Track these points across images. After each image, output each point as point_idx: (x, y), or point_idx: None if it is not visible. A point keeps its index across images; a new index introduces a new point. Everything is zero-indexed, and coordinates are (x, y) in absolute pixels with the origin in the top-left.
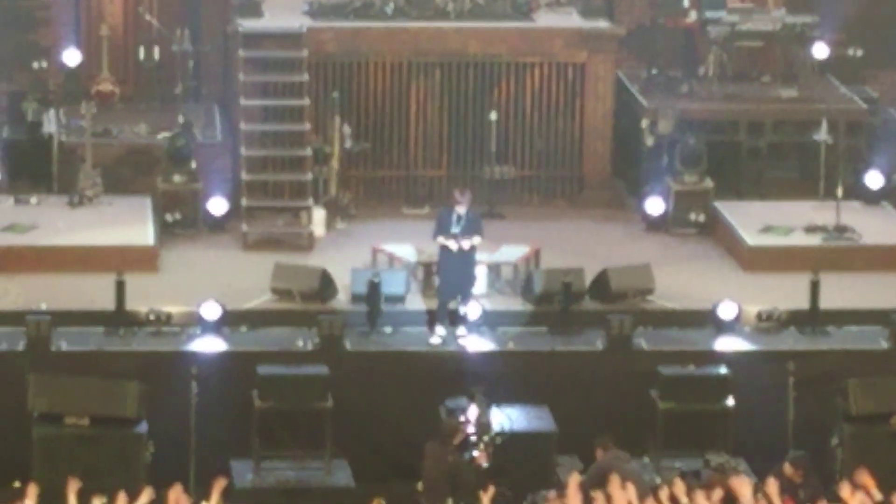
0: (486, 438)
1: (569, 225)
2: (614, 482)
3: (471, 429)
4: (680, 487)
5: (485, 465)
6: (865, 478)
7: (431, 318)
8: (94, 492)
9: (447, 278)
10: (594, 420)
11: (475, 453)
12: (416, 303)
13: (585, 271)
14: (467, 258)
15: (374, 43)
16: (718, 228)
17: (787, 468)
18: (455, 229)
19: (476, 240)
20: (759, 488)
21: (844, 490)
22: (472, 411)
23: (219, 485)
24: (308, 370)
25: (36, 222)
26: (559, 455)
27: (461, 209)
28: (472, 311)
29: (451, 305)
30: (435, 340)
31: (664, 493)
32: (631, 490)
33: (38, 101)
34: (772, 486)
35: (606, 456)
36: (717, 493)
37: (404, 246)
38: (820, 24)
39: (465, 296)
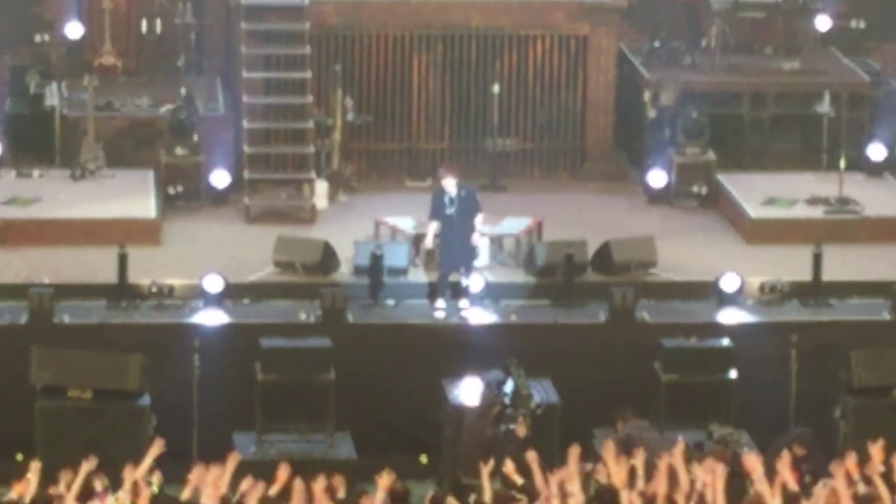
0: (523, 410)
1: (571, 197)
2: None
3: (507, 401)
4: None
5: (523, 435)
6: (875, 450)
7: (432, 291)
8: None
9: (448, 251)
10: (597, 392)
11: (513, 426)
12: (419, 275)
13: (588, 244)
14: (468, 231)
15: (376, 15)
16: (721, 201)
17: (795, 447)
18: (450, 210)
19: (479, 219)
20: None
21: (850, 461)
22: (509, 384)
23: (232, 460)
24: (311, 343)
25: (38, 195)
26: (594, 428)
27: (451, 187)
28: (474, 283)
29: (453, 278)
30: (437, 314)
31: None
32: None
33: (40, 74)
34: (783, 460)
35: (627, 426)
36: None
37: (406, 218)
38: None
39: (468, 268)
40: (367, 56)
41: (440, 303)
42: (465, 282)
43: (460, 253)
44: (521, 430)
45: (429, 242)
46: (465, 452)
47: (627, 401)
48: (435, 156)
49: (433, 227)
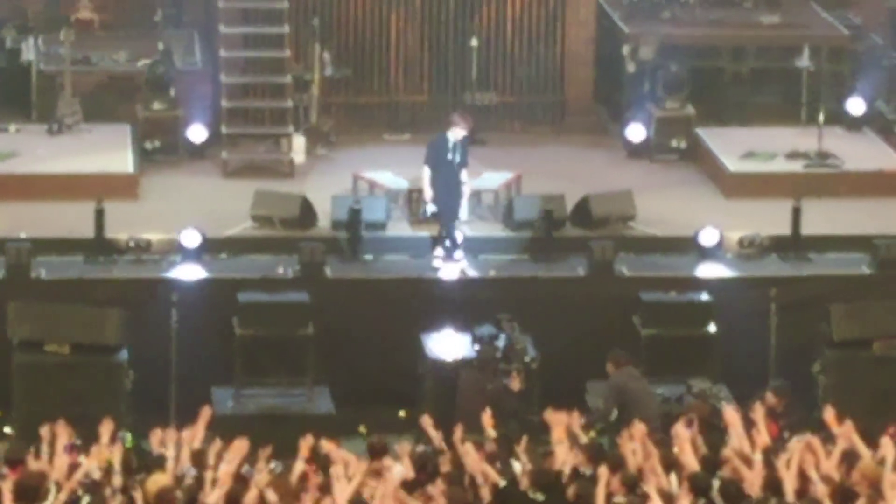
0: (517, 364)
1: (550, 151)
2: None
3: (501, 355)
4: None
5: (517, 389)
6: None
7: (435, 244)
8: (76, 419)
9: (449, 200)
10: (576, 346)
11: (506, 380)
12: (398, 229)
13: (567, 197)
14: (458, 181)
15: None
16: (700, 155)
17: (770, 397)
18: (452, 158)
19: (464, 172)
20: (743, 415)
21: (828, 415)
22: (503, 338)
23: (204, 414)
24: (289, 297)
25: (15, 150)
26: (589, 381)
27: (459, 134)
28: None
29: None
30: (453, 265)
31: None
32: None
33: (16, 28)
34: (758, 411)
35: (619, 373)
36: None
37: (385, 173)
38: None
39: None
40: (346, 10)
41: (457, 254)
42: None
43: (455, 203)
44: (515, 383)
45: (428, 193)
46: (466, 408)
47: (606, 355)
48: (414, 109)
49: (428, 175)
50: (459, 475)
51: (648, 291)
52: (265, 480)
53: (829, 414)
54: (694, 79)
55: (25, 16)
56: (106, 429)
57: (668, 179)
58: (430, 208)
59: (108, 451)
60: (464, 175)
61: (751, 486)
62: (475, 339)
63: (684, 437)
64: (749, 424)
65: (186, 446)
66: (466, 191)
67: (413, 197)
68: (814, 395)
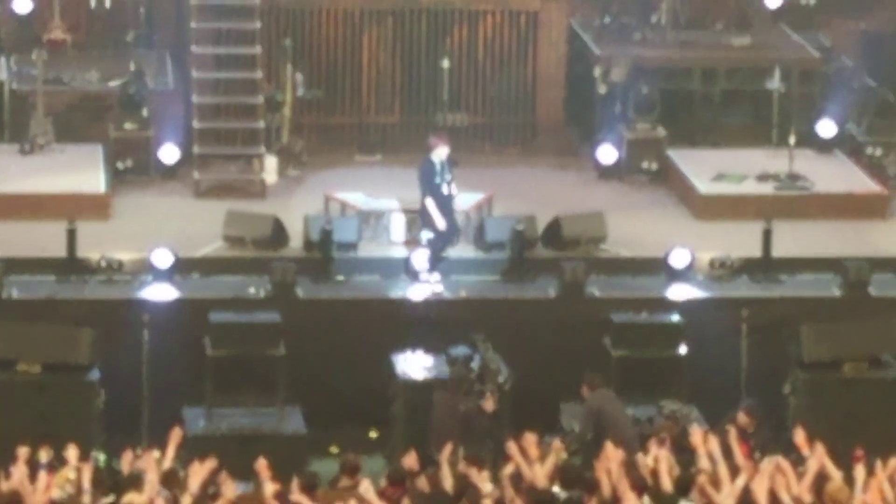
0: (491, 385)
1: (521, 172)
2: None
3: (475, 376)
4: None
5: (490, 410)
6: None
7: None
8: (46, 438)
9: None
10: (547, 367)
11: (481, 400)
12: (369, 250)
13: (538, 218)
14: (451, 201)
15: None
16: (671, 176)
17: (741, 417)
18: (440, 180)
19: (453, 188)
20: (715, 436)
21: (798, 437)
22: (477, 359)
23: (175, 435)
24: (260, 317)
25: None
26: (563, 402)
27: (444, 155)
28: (421, 258)
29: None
30: (436, 288)
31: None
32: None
33: None
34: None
35: (595, 396)
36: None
37: (356, 193)
38: None
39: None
40: (318, 31)
41: (435, 276)
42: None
43: (450, 224)
44: (488, 404)
45: (440, 222)
46: (439, 429)
47: (577, 376)
48: (385, 130)
49: (433, 204)
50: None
51: (619, 312)
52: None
53: (799, 436)
54: (665, 100)
55: None
56: (72, 452)
57: (639, 201)
58: (426, 234)
59: (71, 473)
60: (453, 189)
61: None
62: (450, 360)
63: (664, 457)
64: (721, 445)
65: (158, 466)
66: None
67: (409, 218)
68: (784, 416)
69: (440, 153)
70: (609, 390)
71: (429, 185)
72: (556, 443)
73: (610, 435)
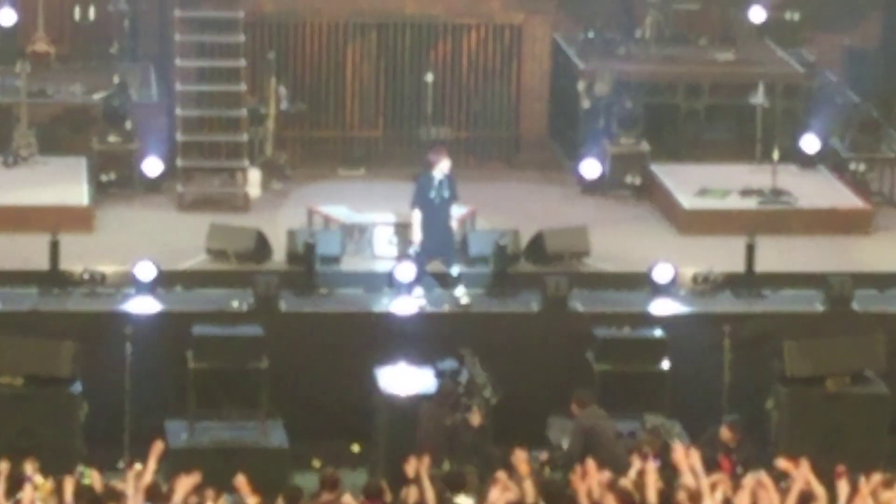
0: (478, 399)
1: (505, 186)
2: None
3: (462, 390)
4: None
5: (477, 424)
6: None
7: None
8: (28, 451)
9: (429, 238)
10: (530, 382)
11: (468, 414)
12: (353, 263)
13: (521, 233)
14: (447, 218)
15: (310, 3)
16: (655, 191)
17: (724, 432)
18: (434, 196)
19: (455, 207)
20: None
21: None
22: (464, 372)
23: (156, 449)
24: (243, 330)
25: None
26: (551, 416)
27: (444, 170)
28: (406, 272)
29: (432, 267)
30: (420, 302)
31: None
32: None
33: None
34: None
35: (585, 413)
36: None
37: (340, 207)
38: None
39: (451, 256)
40: (301, 44)
41: (418, 291)
42: (454, 270)
43: (442, 241)
44: (475, 418)
45: (416, 234)
46: (426, 442)
47: (561, 390)
48: (369, 144)
49: (418, 217)
50: None
51: (602, 327)
52: None
53: (781, 462)
54: (649, 115)
55: None
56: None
57: (623, 215)
58: (415, 248)
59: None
60: (453, 209)
61: None
62: (437, 373)
63: (650, 470)
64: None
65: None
66: (454, 225)
67: (399, 231)
68: (767, 432)
69: (442, 167)
70: (599, 408)
71: (418, 199)
72: (543, 456)
73: (599, 453)
